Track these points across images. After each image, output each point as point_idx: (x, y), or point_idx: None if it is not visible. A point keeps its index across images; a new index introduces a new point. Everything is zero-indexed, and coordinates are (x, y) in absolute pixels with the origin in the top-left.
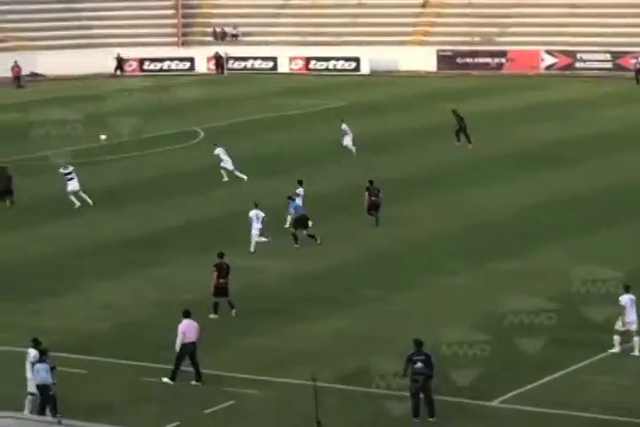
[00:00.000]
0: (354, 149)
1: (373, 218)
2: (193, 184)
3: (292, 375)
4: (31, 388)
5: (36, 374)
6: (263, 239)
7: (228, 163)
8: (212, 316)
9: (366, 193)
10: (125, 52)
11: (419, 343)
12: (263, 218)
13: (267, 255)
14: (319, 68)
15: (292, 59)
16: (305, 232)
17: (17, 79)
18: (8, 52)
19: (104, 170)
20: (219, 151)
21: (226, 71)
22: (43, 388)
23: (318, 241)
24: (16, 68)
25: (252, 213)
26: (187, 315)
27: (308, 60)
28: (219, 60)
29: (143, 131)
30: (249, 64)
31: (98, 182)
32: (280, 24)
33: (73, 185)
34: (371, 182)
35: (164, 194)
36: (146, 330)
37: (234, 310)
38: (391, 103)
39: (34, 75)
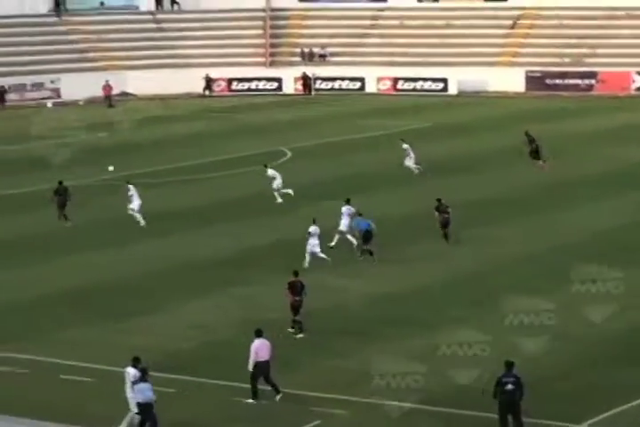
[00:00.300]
0: (415, 168)
1: (443, 234)
2: (285, 202)
3: (375, 396)
4: (131, 406)
5: (138, 393)
6: (319, 253)
7: (277, 182)
8: (290, 330)
9: (436, 212)
10: (214, 72)
11: (509, 365)
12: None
13: (349, 275)
14: (407, 88)
15: (379, 79)
16: (366, 246)
17: (108, 98)
18: (99, 71)
19: (193, 189)
20: (271, 173)
21: (313, 91)
22: (146, 406)
23: (374, 258)
24: (107, 87)
25: (312, 228)
26: (259, 334)
27: (395, 80)
28: (306, 81)
29: (231, 150)
30: (336, 84)
31: (187, 202)
32: (368, 44)
33: (134, 204)
34: (439, 200)
35: (252, 213)
36: (234, 349)
37: (301, 335)
38: (478, 124)
39: (124, 94)
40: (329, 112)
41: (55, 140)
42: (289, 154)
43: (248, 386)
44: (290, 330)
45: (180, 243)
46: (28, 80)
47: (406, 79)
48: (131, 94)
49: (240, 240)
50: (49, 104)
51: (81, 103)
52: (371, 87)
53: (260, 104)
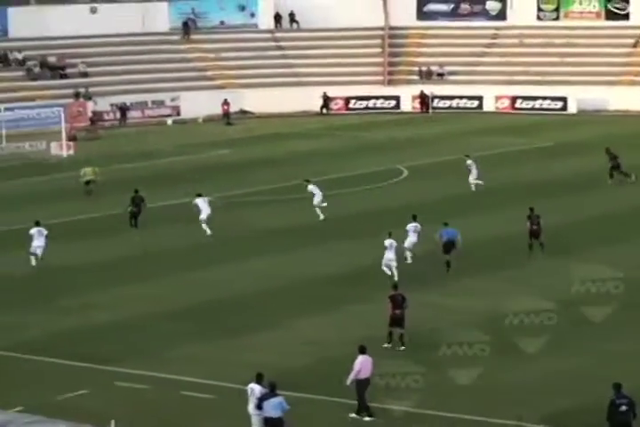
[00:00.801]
0: (474, 184)
1: (532, 244)
2: (397, 221)
3: (502, 415)
4: (254, 423)
5: (270, 409)
6: (393, 267)
7: (318, 198)
8: (385, 345)
9: (528, 222)
10: (332, 91)
11: (617, 387)
12: (395, 246)
13: (468, 294)
14: (525, 106)
15: (497, 98)
16: (447, 257)
17: (226, 116)
18: (218, 89)
19: (309, 207)
20: (311, 188)
21: (431, 110)
22: (277, 422)
23: (449, 269)
24: (225, 105)
25: (387, 242)
26: (362, 351)
27: (514, 99)
28: (424, 99)
29: (348, 168)
30: (454, 103)
31: (302, 219)
32: (486, 63)
33: (203, 215)
34: (531, 210)
35: (367, 230)
36: (349, 366)
37: (402, 347)
38: (599, 143)
39: (242, 112)
40: (446, 131)
41: (176, 157)
42: (405, 172)
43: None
44: (385, 345)
45: (296, 260)
46: (148, 98)
47: (525, 98)
48: (249, 112)
49: (355, 257)
50: (169, 122)
51: (200, 121)
52: (489, 106)
53: (378, 122)
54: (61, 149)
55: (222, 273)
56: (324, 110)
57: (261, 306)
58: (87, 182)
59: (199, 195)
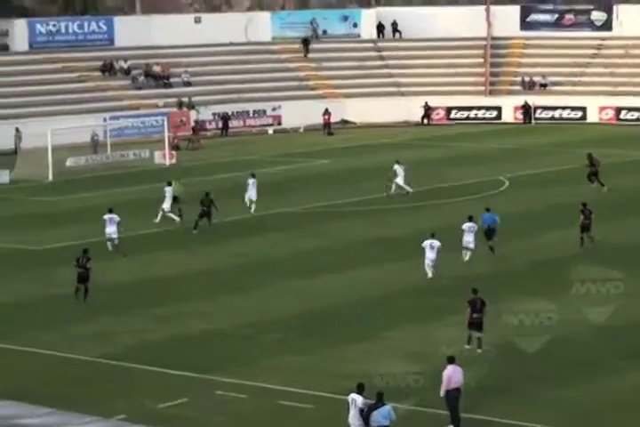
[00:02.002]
0: (397, 187)
1: (583, 237)
2: (501, 232)
3: None
4: None
5: (379, 418)
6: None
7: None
8: (466, 346)
9: (581, 216)
10: (433, 101)
11: None
12: (438, 248)
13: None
14: (630, 118)
15: (601, 108)
16: (489, 243)
17: (327, 126)
18: (319, 99)
19: (408, 218)
20: (396, 167)
21: (533, 120)
22: None
23: (495, 254)
24: (326, 115)
25: (426, 242)
26: (451, 361)
27: (618, 110)
28: (527, 110)
29: (449, 179)
30: (557, 114)
31: (402, 229)
32: (590, 74)
33: (166, 204)
34: (584, 205)
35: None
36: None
37: (479, 350)
38: None
39: (344, 122)
40: (548, 142)
41: (277, 166)
42: (506, 183)
43: (468, 415)
44: (467, 346)
45: (396, 270)
46: (250, 107)
47: (630, 109)
48: (350, 122)
49: (455, 269)
50: (270, 131)
51: (301, 131)
52: (592, 117)
53: (479, 133)
54: (164, 158)
55: (322, 282)
56: (425, 120)
57: (361, 316)
58: (175, 199)
59: (169, 183)
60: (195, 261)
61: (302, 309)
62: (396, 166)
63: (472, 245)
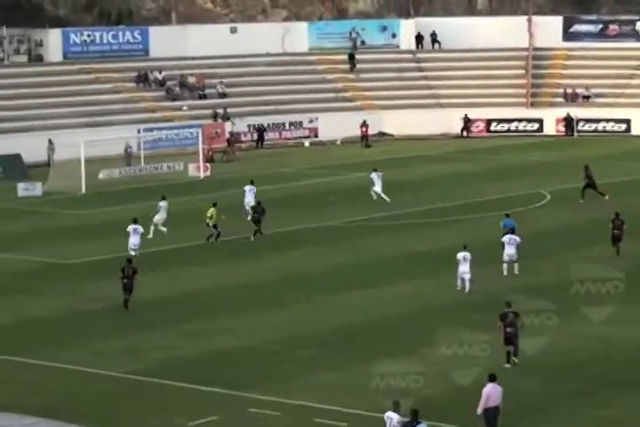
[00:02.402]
0: (376, 195)
1: (618, 248)
2: (537, 246)
3: None
4: None
5: None
6: (467, 280)
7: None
8: (505, 365)
9: (611, 225)
10: (472, 113)
11: None
12: (471, 260)
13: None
14: None
15: None
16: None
17: (365, 138)
18: (357, 111)
19: (446, 232)
20: (373, 175)
21: (575, 133)
22: None
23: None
24: (364, 127)
25: (460, 254)
26: (492, 379)
27: None
28: (569, 122)
29: (488, 193)
30: (600, 126)
31: (441, 243)
32: (635, 85)
33: (159, 217)
34: (617, 215)
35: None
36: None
37: (507, 364)
38: None
39: (381, 134)
40: (591, 154)
41: (313, 179)
42: (547, 197)
43: None
44: (506, 365)
45: (435, 284)
46: (286, 119)
47: None
48: (387, 134)
49: (493, 283)
50: (306, 143)
51: (338, 143)
52: (637, 129)
53: (520, 146)
54: (198, 171)
55: (356, 298)
56: (465, 133)
57: (397, 332)
58: (214, 226)
59: (163, 197)
60: (228, 276)
61: (336, 324)
62: (373, 174)
63: (514, 259)
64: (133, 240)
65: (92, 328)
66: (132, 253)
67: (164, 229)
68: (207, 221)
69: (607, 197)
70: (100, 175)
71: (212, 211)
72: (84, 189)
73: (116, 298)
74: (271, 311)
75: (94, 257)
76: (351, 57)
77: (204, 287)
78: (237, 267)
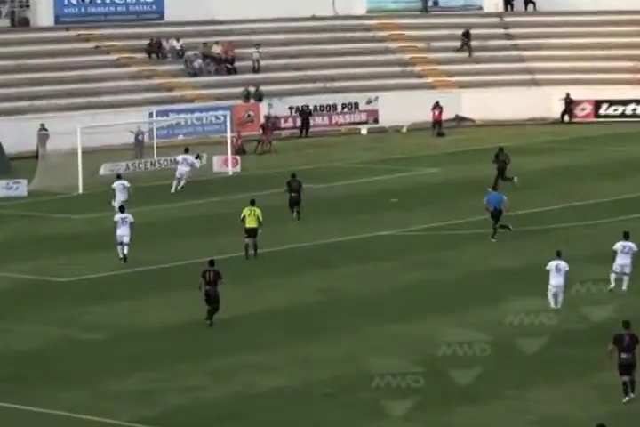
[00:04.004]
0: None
1: None
2: None
3: None
4: None
5: None
6: (560, 295)
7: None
8: (624, 400)
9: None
10: (576, 93)
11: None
12: (566, 271)
13: None
14: None
15: None
16: (497, 224)
17: (437, 124)
18: (428, 89)
19: (531, 242)
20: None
21: None
22: None
23: (508, 229)
24: (436, 109)
25: (551, 264)
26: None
27: None
28: None
29: (598, 193)
30: None
31: (523, 258)
32: None
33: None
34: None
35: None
36: None
37: (626, 397)
38: None
39: (459, 119)
40: None
41: (372, 177)
42: None
43: None
44: (624, 400)
45: (520, 309)
46: (338, 99)
47: None
48: (467, 119)
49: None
50: (363, 131)
51: (404, 130)
52: None
53: (637, 134)
54: (226, 165)
55: (428, 327)
56: (566, 117)
57: (479, 371)
58: (248, 232)
59: (119, 176)
60: (263, 298)
61: (403, 360)
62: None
63: (627, 271)
64: (121, 231)
65: (92, 364)
66: (120, 247)
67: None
68: (248, 226)
69: (516, 180)
70: (102, 171)
71: (250, 211)
72: (80, 189)
73: (120, 325)
74: (316, 344)
75: (94, 274)
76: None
77: (233, 313)
78: (276, 286)
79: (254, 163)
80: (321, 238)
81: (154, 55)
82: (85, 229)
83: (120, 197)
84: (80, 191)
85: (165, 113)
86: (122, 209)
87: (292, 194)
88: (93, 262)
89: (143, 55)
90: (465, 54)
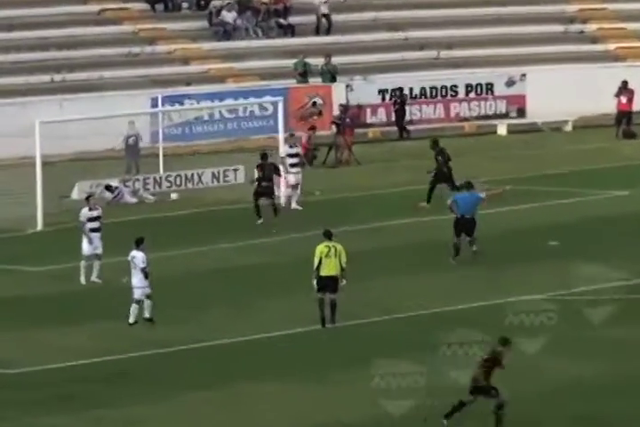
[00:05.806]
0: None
1: None
2: None
3: None
4: None
5: None
6: None
7: None
8: None
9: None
10: None
11: None
12: None
13: None
14: None
15: None
16: (467, 239)
17: (625, 118)
18: (608, 62)
19: None
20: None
21: None
22: None
23: (474, 248)
24: (624, 95)
25: None
26: None
27: None
28: None
29: None
30: None
31: None
32: None
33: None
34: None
35: None
36: None
37: None
38: None
39: None
40: None
41: (516, 205)
42: None
43: None
44: None
45: None
46: (459, 79)
47: None
48: None
49: None
50: (501, 129)
51: (568, 128)
52: None
53: None
54: (278, 187)
55: None
56: None
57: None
58: (325, 282)
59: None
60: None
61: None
62: None
63: None
64: (90, 247)
65: None
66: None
67: None
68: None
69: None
70: (75, 193)
71: (330, 249)
72: (40, 224)
73: None
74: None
75: (60, 363)
76: None
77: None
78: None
79: (322, 181)
80: (442, 305)
81: (159, 5)
82: (46, 290)
83: (90, 246)
84: (39, 228)
85: (177, 99)
86: (138, 243)
87: (263, 183)
88: (62, 343)
89: (142, 5)
90: None
